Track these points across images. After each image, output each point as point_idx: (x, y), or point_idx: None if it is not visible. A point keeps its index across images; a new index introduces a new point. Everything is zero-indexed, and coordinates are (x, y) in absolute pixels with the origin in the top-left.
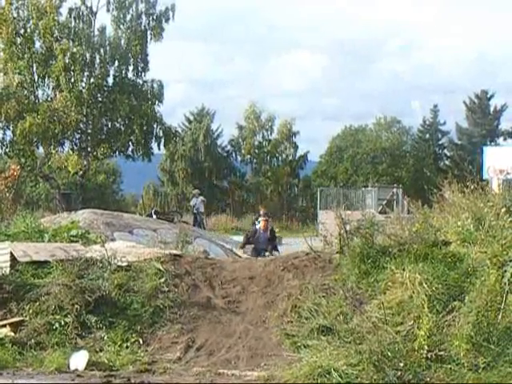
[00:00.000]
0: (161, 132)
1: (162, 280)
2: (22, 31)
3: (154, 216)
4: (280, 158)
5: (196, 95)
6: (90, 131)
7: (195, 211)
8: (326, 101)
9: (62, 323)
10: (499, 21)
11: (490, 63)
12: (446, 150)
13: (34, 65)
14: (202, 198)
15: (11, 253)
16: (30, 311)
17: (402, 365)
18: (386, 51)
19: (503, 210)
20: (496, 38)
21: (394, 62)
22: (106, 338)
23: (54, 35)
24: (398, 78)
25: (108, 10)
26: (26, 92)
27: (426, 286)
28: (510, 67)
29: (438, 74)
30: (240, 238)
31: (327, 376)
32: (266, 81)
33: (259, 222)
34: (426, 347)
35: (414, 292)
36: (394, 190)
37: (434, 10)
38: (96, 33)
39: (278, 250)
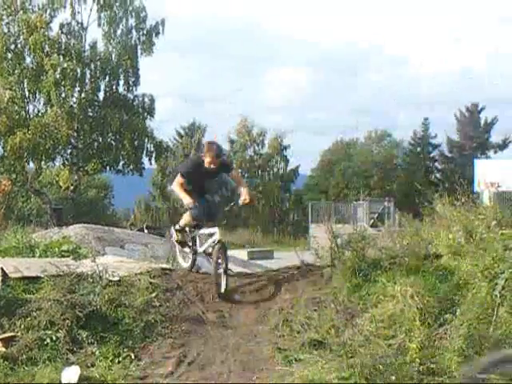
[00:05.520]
0: (152, 146)
1: (154, 295)
2: (12, 47)
3: (146, 231)
4: (271, 172)
5: (185, 109)
6: (80, 146)
7: None
8: (313, 115)
9: (54, 338)
10: (486, 35)
11: (477, 77)
12: (437, 163)
13: (25, 80)
14: None
15: (2, 268)
16: (22, 326)
17: (393, 378)
18: (372, 65)
19: (494, 222)
20: (482, 52)
21: (381, 75)
22: (97, 352)
23: (45, 50)
24: (387, 92)
25: (99, 25)
26: (16, 107)
27: (417, 299)
28: (496, 81)
29: (427, 88)
30: (232, 253)
31: None
32: (253, 95)
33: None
34: (417, 360)
35: (405, 305)
36: (386, 203)
37: (421, 24)
38: (87, 48)
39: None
